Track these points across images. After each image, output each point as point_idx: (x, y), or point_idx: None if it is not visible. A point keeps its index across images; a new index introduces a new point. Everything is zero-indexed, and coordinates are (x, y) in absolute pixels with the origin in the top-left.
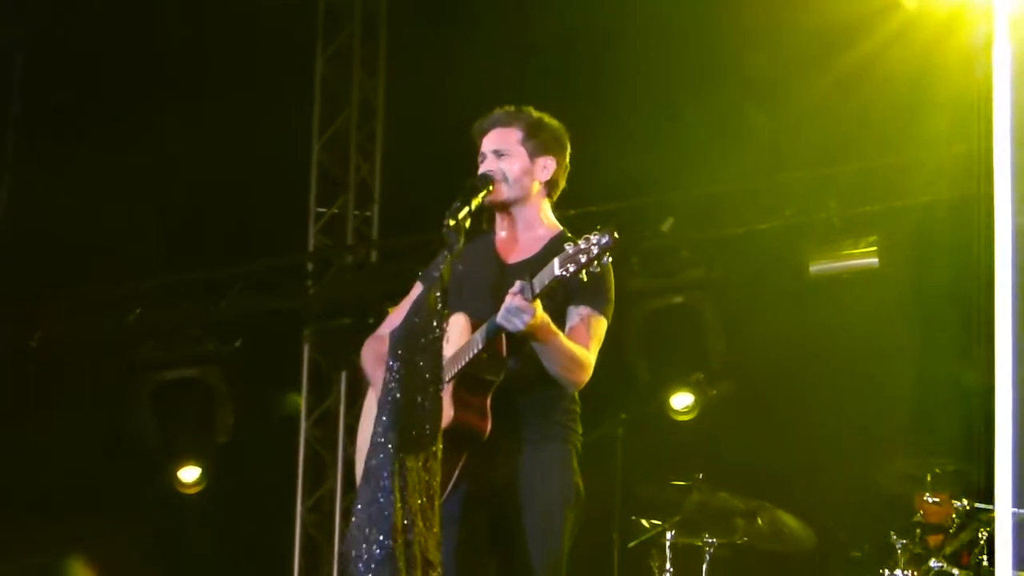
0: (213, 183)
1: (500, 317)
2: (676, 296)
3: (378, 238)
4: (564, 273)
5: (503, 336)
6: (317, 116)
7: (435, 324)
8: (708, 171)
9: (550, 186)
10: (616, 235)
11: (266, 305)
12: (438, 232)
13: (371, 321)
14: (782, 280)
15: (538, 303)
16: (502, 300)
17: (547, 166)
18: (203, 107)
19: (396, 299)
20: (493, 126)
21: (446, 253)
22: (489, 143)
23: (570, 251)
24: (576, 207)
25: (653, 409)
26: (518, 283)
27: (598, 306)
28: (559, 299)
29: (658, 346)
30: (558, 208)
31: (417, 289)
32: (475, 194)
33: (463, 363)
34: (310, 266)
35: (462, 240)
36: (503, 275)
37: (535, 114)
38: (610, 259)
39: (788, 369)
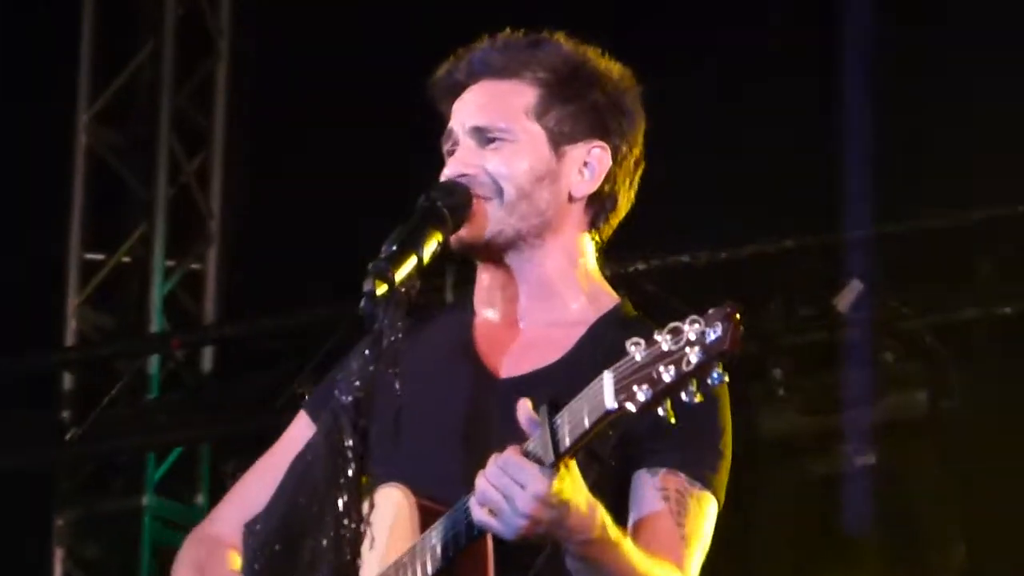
0: None
1: (476, 503)
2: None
3: (218, 318)
4: (628, 407)
5: (488, 540)
6: (88, 55)
7: (343, 510)
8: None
9: (597, 207)
10: (739, 321)
11: None
12: (351, 307)
13: (198, 501)
14: None
15: (572, 469)
16: (485, 458)
17: (591, 163)
18: None
19: (248, 454)
20: (476, 75)
21: (368, 354)
22: (466, 112)
23: (639, 357)
24: (645, 255)
25: None
26: (524, 416)
27: (700, 467)
28: (614, 450)
29: (826, 557)
30: (612, 259)
31: (302, 431)
32: (433, 227)
33: None
34: (68, 379)
35: (400, 324)
36: (490, 404)
37: (565, 45)
38: (725, 377)
39: None
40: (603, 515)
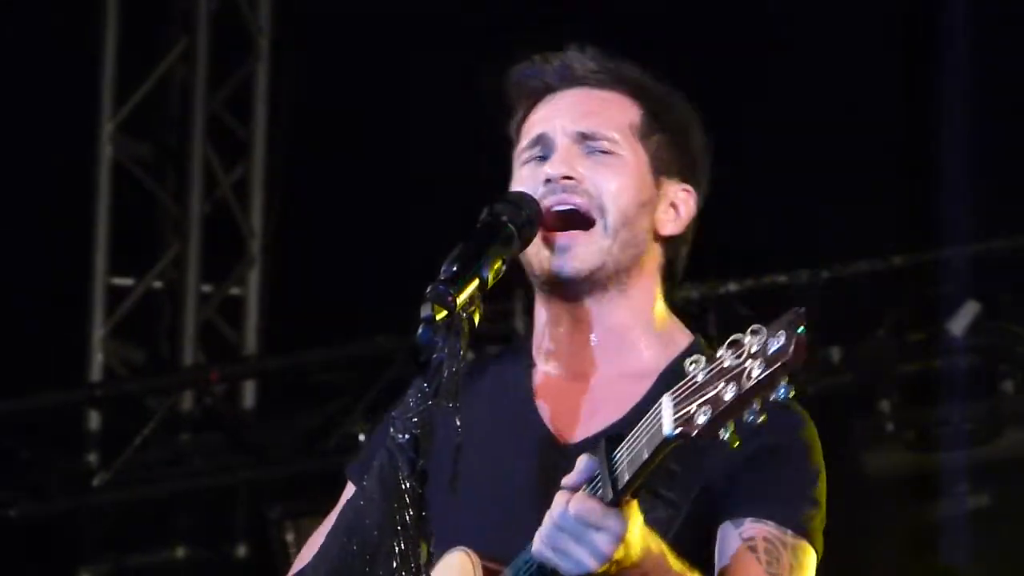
0: None
1: (543, 545)
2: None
3: (260, 349)
4: (688, 432)
5: None
6: (112, 56)
7: (400, 559)
8: None
9: (673, 254)
10: (803, 327)
11: None
12: (409, 336)
13: (238, 552)
14: None
15: (633, 509)
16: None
17: (679, 205)
18: None
19: (294, 500)
20: (570, 81)
21: (427, 387)
22: (567, 117)
23: (700, 377)
24: (738, 274)
25: None
26: (583, 461)
27: (790, 514)
28: (695, 499)
29: None
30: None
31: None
32: (499, 246)
33: None
34: (95, 418)
35: (461, 354)
36: (558, 471)
37: (658, 87)
38: (789, 391)
39: None
40: (662, 550)
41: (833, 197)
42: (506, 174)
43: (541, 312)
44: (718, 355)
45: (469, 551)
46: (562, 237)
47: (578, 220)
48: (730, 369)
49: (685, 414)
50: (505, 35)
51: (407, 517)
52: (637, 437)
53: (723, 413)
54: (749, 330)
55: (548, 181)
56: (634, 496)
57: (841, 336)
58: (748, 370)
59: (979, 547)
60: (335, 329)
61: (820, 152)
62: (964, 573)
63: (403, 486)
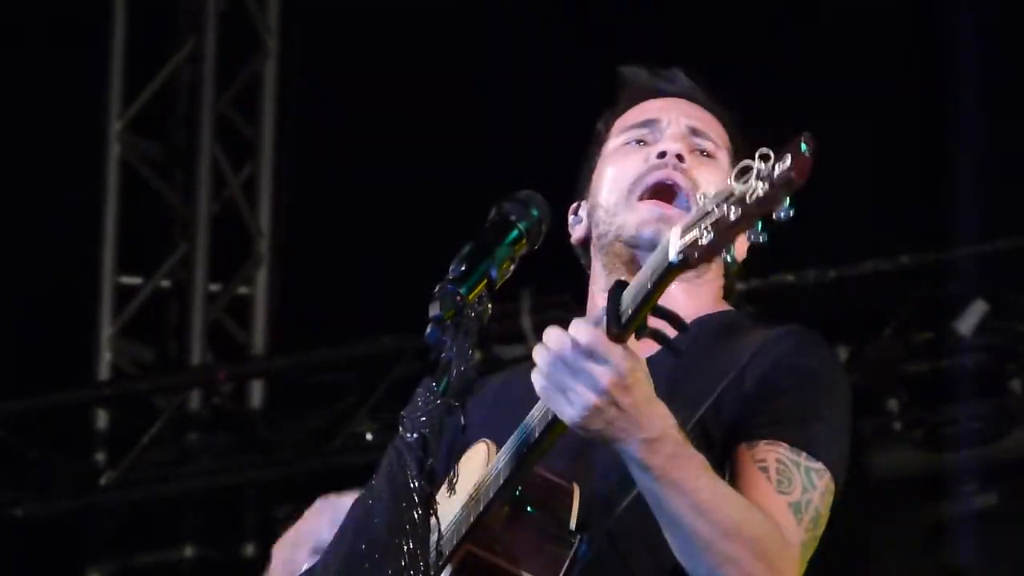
0: None
1: (542, 377)
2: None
3: (268, 348)
4: (693, 255)
5: (575, 487)
6: (120, 56)
7: (408, 559)
8: None
9: (729, 284)
10: (809, 148)
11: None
12: (416, 335)
13: (246, 552)
14: None
15: (639, 359)
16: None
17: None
18: None
19: (301, 500)
20: (685, 94)
21: (435, 386)
22: (683, 113)
23: (708, 206)
24: (745, 273)
25: None
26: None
27: (807, 438)
28: (705, 414)
29: None
30: None
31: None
32: (507, 245)
33: (471, 519)
34: (101, 418)
35: (470, 353)
36: None
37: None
38: (791, 212)
39: None
40: (671, 417)
41: (840, 196)
42: (509, 175)
43: (603, 280)
44: (728, 183)
45: (488, 441)
46: (665, 206)
47: (675, 201)
48: (738, 194)
49: (691, 239)
50: (506, 35)
51: (415, 516)
52: (643, 273)
53: (726, 232)
54: (758, 155)
55: (662, 155)
56: (639, 337)
57: (848, 336)
58: (754, 190)
59: (987, 547)
60: (343, 328)
61: (826, 151)
62: (971, 573)
63: (412, 485)
